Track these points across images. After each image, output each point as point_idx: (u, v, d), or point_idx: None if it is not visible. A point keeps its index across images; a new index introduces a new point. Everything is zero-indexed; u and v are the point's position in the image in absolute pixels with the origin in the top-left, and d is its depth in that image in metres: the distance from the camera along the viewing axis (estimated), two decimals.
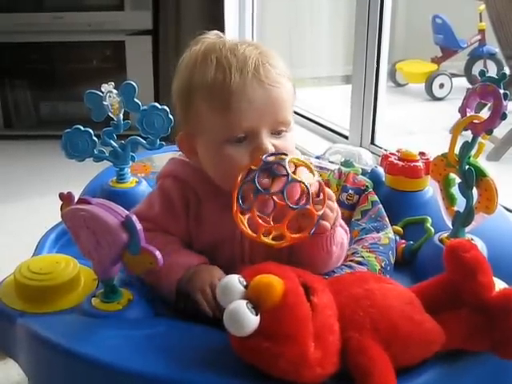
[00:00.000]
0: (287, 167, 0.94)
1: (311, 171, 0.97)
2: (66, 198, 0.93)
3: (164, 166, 1.14)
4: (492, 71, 4.34)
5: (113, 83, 1.27)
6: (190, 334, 0.91)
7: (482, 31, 4.34)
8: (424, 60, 4.57)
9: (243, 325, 0.77)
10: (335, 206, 1.00)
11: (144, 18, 3.30)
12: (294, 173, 0.95)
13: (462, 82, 4.46)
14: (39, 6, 3.34)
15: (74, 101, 3.42)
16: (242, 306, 0.78)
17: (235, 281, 0.82)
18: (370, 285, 0.89)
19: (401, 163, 1.36)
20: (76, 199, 0.92)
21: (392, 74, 4.61)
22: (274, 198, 0.93)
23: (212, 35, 1.08)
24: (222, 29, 3.06)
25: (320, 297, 0.84)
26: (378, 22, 2.46)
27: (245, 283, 0.82)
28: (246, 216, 0.94)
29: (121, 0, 3.28)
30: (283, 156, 0.96)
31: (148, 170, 1.50)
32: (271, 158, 0.96)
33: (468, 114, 1.10)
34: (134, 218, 0.87)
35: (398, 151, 1.41)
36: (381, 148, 2.52)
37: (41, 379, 0.96)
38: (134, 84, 1.26)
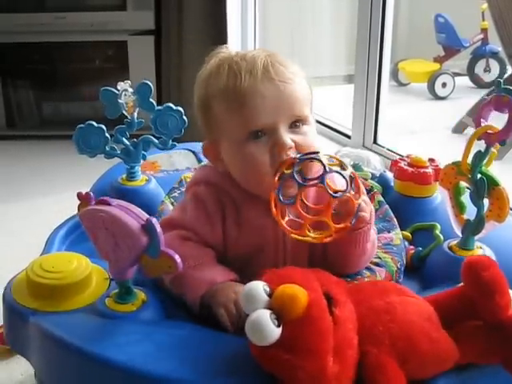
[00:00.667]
0: (323, 159, 0.96)
1: (343, 165, 0.99)
2: (84, 198, 0.93)
3: (194, 174, 1.17)
4: (495, 70, 4.37)
5: (129, 81, 1.28)
6: (205, 337, 0.92)
7: (484, 30, 4.34)
8: (426, 59, 4.56)
9: (265, 335, 0.78)
10: (368, 200, 1.02)
11: (146, 18, 3.30)
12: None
13: (465, 81, 4.46)
14: (41, 6, 3.34)
15: (77, 101, 3.43)
16: (265, 317, 0.78)
17: (260, 288, 0.81)
18: (391, 298, 0.89)
19: (410, 169, 1.36)
20: (94, 199, 0.92)
21: (394, 74, 4.60)
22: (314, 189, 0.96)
23: (225, 49, 1.12)
24: (224, 29, 3.06)
25: (342, 309, 0.84)
26: (380, 21, 2.46)
27: (269, 291, 0.81)
28: (286, 218, 0.96)
29: (123, 0, 3.28)
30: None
31: (157, 168, 1.50)
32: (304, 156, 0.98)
33: (482, 125, 1.09)
34: (155, 220, 0.87)
35: (407, 157, 1.41)
36: (383, 147, 2.52)
37: (53, 378, 0.96)
38: (150, 84, 1.26)
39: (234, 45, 3.16)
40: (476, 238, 1.12)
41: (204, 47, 3.17)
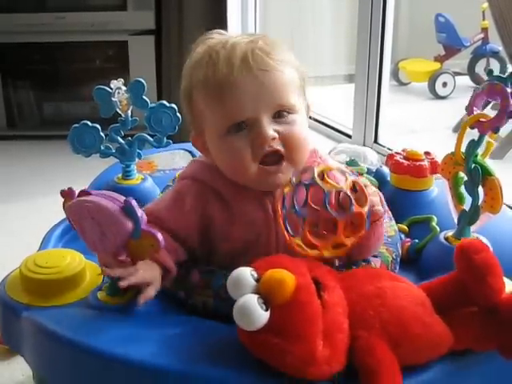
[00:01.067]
0: (321, 184, 0.92)
1: (342, 173, 0.97)
2: (67, 194, 0.93)
3: (185, 168, 1.14)
4: (495, 69, 4.35)
5: (122, 80, 1.28)
6: (198, 328, 0.92)
7: (485, 29, 4.33)
8: (427, 59, 4.56)
9: (253, 320, 0.77)
10: (373, 189, 0.99)
11: (147, 18, 3.30)
12: (324, 179, 0.94)
13: (466, 81, 4.45)
14: (42, 6, 3.35)
15: (77, 101, 3.43)
16: (252, 301, 0.78)
17: (247, 274, 0.81)
18: (382, 283, 0.89)
19: (406, 162, 1.36)
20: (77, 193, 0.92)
21: (395, 73, 4.60)
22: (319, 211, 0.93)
23: (214, 34, 1.07)
24: (224, 29, 3.05)
25: (331, 294, 0.83)
26: (380, 20, 2.46)
27: (256, 276, 0.81)
28: (297, 238, 0.93)
29: (123, 0, 3.28)
30: (310, 170, 0.94)
31: (153, 167, 1.50)
32: (298, 179, 0.94)
33: (475, 113, 1.09)
34: (133, 202, 0.88)
35: (403, 150, 1.41)
36: (384, 147, 2.52)
37: (47, 372, 0.96)
38: (143, 81, 1.26)
39: None
40: (472, 229, 1.11)
41: None
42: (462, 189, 1.12)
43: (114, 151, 1.32)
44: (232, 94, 0.96)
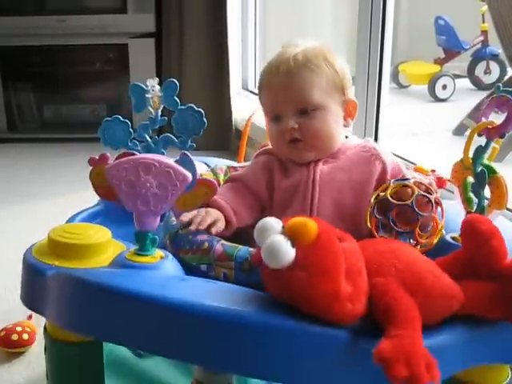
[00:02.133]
0: (412, 185, 1.09)
1: (430, 190, 1.10)
2: (100, 160, 0.99)
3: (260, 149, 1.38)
4: (495, 72, 4.37)
5: (158, 79, 1.30)
6: (225, 286, 0.95)
7: (484, 32, 4.35)
8: (427, 61, 4.57)
9: (281, 256, 0.80)
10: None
11: (147, 21, 3.31)
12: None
13: (465, 83, 4.46)
14: (42, 9, 3.36)
15: (78, 103, 3.43)
16: (280, 239, 0.82)
17: (273, 221, 0.85)
18: (393, 244, 0.96)
19: None
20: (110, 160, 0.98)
21: (395, 76, 4.61)
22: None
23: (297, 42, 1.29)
24: (224, 31, 3.07)
25: (350, 243, 0.88)
26: (380, 23, 2.46)
27: (282, 225, 0.85)
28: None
29: (124, 3, 3.29)
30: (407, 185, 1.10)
31: None
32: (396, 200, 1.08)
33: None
34: (187, 153, 0.98)
35: (408, 167, 1.45)
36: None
37: (76, 323, 0.96)
38: (177, 82, 1.27)
39: (234, 47, 3.16)
40: None
41: (204, 50, 3.19)
42: (471, 194, 1.16)
43: (140, 148, 1.33)
44: (266, 94, 1.27)
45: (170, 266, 0.99)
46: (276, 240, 0.82)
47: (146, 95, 1.26)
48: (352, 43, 2.71)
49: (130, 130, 1.29)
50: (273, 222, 0.85)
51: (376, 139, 2.59)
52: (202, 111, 1.29)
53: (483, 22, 4.27)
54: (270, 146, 1.34)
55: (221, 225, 1.13)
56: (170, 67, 3.30)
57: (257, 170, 1.29)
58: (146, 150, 1.33)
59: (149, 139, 1.32)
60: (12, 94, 3.45)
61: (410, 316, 0.82)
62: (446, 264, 0.94)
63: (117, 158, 0.96)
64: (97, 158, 0.98)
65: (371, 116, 2.55)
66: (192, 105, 1.29)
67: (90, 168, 1.01)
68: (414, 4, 4.72)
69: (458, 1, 4.51)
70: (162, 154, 1.34)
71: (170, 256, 1.01)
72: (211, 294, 0.89)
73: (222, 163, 1.60)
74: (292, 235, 0.83)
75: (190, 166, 0.94)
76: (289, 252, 0.81)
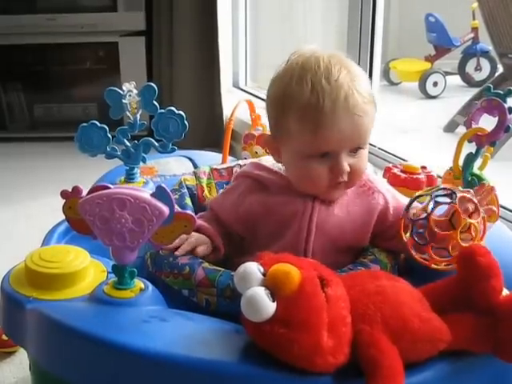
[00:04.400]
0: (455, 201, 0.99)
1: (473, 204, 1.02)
2: (73, 193, 0.92)
3: (242, 167, 1.30)
4: (485, 69, 4.38)
5: (134, 83, 1.28)
6: (204, 323, 0.93)
7: (475, 29, 4.35)
8: (417, 58, 4.58)
9: (261, 310, 0.79)
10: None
11: (137, 19, 3.30)
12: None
13: (456, 80, 4.47)
14: (32, 8, 3.34)
15: (68, 102, 3.42)
16: (260, 292, 0.80)
17: (254, 268, 0.83)
18: (381, 282, 0.91)
19: (403, 175, 1.39)
20: (84, 191, 0.92)
21: (386, 73, 4.62)
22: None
23: (307, 49, 1.17)
24: (215, 29, 3.06)
25: (334, 289, 0.85)
26: (370, 20, 2.47)
27: (263, 270, 0.83)
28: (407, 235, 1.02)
29: (113, 1, 3.28)
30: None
31: (154, 172, 1.51)
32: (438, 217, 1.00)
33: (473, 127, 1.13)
34: (163, 185, 0.90)
35: (400, 164, 1.45)
36: (375, 146, 2.52)
37: (50, 362, 0.95)
38: (155, 86, 1.26)
39: (224, 45, 3.16)
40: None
41: (195, 48, 3.18)
42: None
43: (119, 153, 1.32)
44: (329, 129, 1.07)
45: (148, 300, 0.96)
46: (255, 294, 0.80)
47: (123, 100, 1.25)
48: (342, 40, 2.71)
49: (109, 135, 1.28)
50: (253, 270, 0.83)
51: None
52: (183, 114, 1.27)
53: (474, 18, 4.28)
54: (250, 170, 1.22)
55: (207, 248, 1.12)
56: (161, 65, 3.29)
57: (235, 200, 1.20)
58: (126, 155, 1.32)
59: (128, 144, 1.31)
60: (1, 93, 3.43)
61: (395, 372, 0.80)
62: (437, 293, 0.92)
63: (90, 191, 0.91)
64: (69, 190, 0.92)
65: None
66: (172, 108, 1.28)
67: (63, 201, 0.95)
68: (405, 1, 4.73)
69: None
70: (143, 158, 1.34)
71: (150, 287, 0.98)
72: (185, 340, 0.86)
73: (206, 158, 1.58)
74: (273, 286, 0.81)
75: (167, 200, 0.89)
76: (269, 306, 0.79)
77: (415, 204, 1.05)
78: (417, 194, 1.06)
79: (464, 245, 0.97)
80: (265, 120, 1.26)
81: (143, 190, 0.91)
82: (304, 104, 1.08)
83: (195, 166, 1.55)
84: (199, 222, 1.12)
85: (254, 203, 1.17)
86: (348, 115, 1.08)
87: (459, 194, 0.99)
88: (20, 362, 1.52)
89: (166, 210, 0.89)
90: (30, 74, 3.46)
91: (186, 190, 1.33)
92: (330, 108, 1.07)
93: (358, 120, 1.09)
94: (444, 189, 1.03)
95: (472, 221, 0.98)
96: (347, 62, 1.13)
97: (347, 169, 1.10)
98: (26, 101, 3.47)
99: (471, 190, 1.03)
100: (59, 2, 3.40)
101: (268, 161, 1.24)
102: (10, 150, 3.27)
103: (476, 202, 1.01)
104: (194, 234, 1.08)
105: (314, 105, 1.07)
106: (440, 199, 1.00)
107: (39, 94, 3.48)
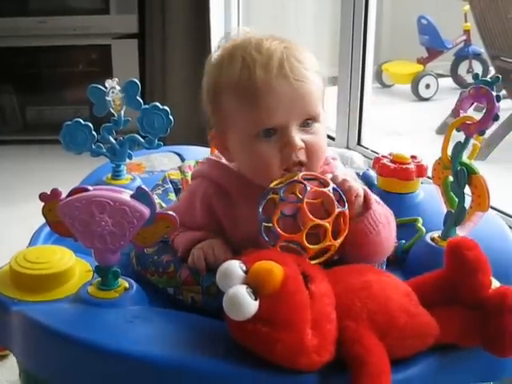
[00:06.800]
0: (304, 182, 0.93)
1: (324, 182, 0.96)
2: (52, 196, 0.92)
3: (197, 167, 1.20)
4: (477, 71, 4.38)
5: (117, 79, 1.28)
6: (187, 322, 0.93)
7: (467, 31, 4.36)
8: (410, 61, 4.58)
9: (243, 309, 0.79)
10: (353, 183, 0.98)
11: (130, 22, 3.29)
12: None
13: (448, 83, 4.48)
14: (23, 10, 3.33)
15: (60, 105, 3.42)
16: (241, 291, 0.79)
17: (235, 266, 0.83)
18: (367, 277, 0.90)
19: (393, 165, 1.37)
20: (63, 194, 0.91)
21: (378, 75, 4.62)
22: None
23: (241, 32, 1.09)
24: (207, 32, 3.06)
25: (318, 285, 0.84)
26: (363, 22, 2.47)
27: (245, 268, 0.83)
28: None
29: (106, 4, 3.28)
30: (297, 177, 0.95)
31: (142, 169, 1.50)
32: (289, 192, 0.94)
33: (461, 115, 1.11)
34: (143, 186, 0.89)
35: (389, 154, 1.42)
36: (367, 149, 2.52)
37: (36, 366, 0.95)
38: (138, 82, 1.26)
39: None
40: (466, 232, 1.12)
41: (187, 50, 3.18)
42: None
43: (104, 151, 1.32)
44: (267, 99, 0.98)
45: (133, 300, 0.96)
46: (237, 292, 0.79)
47: (106, 97, 1.25)
48: (335, 43, 2.71)
49: (93, 133, 1.28)
50: (234, 268, 0.82)
51: (359, 139, 2.60)
52: (168, 109, 1.27)
53: (466, 21, 4.29)
54: (204, 168, 1.12)
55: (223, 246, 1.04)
56: (154, 68, 3.29)
57: (193, 208, 1.10)
58: (112, 153, 1.32)
59: (113, 141, 1.31)
60: None
61: (381, 369, 0.80)
62: (425, 287, 0.91)
63: (69, 194, 0.90)
64: (48, 193, 0.92)
65: (354, 115, 2.56)
66: (157, 103, 1.28)
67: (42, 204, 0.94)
68: (397, 3, 4.73)
69: (441, 0, 4.53)
70: (129, 155, 1.34)
71: (135, 286, 0.98)
72: (168, 339, 0.87)
73: (195, 152, 1.57)
74: (255, 284, 0.80)
75: (148, 201, 0.88)
76: (250, 305, 0.79)
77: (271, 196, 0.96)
78: (271, 185, 0.97)
79: (311, 247, 0.92)
80: None
81: (124, 191, 0.91)
82: (236, 80, 1.00)
83: (183, 160, 1.55)
84: (193, 234, 1.07)
85: (218, 213, 1.08)
86: (285, 81, 0.98)
87: (310, 189, 0.93)
88: (12, 365, 1.51)
89: (146, 211, 0.88)
90: (23, 77, 3.45)
91: (169, 185, 1.33)
92: (263, 76, 0.98)
93: (299, 86, 0.99)
94: (292, 182, 0.95)
95: (320, 222, 0.92)
96: (286, 39, 1.05)
97: (299, 143, 0.99)
98: (19, 103, 3.46)
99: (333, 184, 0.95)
100: (51, 5, 3.39)
101: None
102: (2, 153, 3.25)
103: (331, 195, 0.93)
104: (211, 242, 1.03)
105: (246, 77, 0.99)
106: (285, 196, 0.93)
107: (31, 96, 3.47)
